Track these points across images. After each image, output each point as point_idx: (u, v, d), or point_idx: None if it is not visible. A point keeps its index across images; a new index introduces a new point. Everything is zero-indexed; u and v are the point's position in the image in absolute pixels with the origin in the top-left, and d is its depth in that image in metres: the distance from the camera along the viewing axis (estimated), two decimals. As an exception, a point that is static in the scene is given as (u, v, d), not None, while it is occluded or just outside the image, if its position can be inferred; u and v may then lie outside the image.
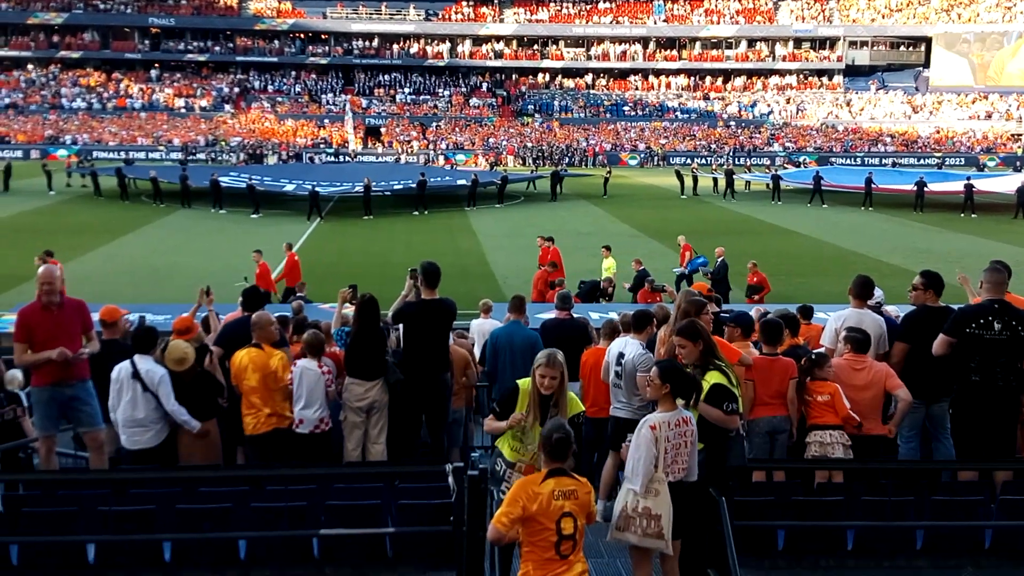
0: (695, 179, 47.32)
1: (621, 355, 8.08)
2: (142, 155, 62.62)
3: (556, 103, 77.14)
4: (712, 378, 6.05)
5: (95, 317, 8.45)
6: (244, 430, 8.13)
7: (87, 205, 41.13)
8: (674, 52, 79.92)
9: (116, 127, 68.53)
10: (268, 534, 6.13)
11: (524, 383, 6.37)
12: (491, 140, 69.07)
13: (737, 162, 62.31)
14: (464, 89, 78.36)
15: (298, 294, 16.90)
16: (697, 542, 5.85)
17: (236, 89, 76.09)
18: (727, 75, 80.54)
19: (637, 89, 79.35)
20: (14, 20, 74.68)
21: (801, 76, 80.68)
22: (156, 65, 77.08)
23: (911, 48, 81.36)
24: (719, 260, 21.27)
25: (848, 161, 66.32)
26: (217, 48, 77.43)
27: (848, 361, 7.71)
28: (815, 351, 7.99)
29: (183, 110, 72.49)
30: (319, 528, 6.15)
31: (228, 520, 6.18)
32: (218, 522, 6.17)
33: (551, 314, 11.14)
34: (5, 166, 46.35)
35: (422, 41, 79.02)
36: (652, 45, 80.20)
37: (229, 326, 9.24)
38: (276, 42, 78.06)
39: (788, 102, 77.97)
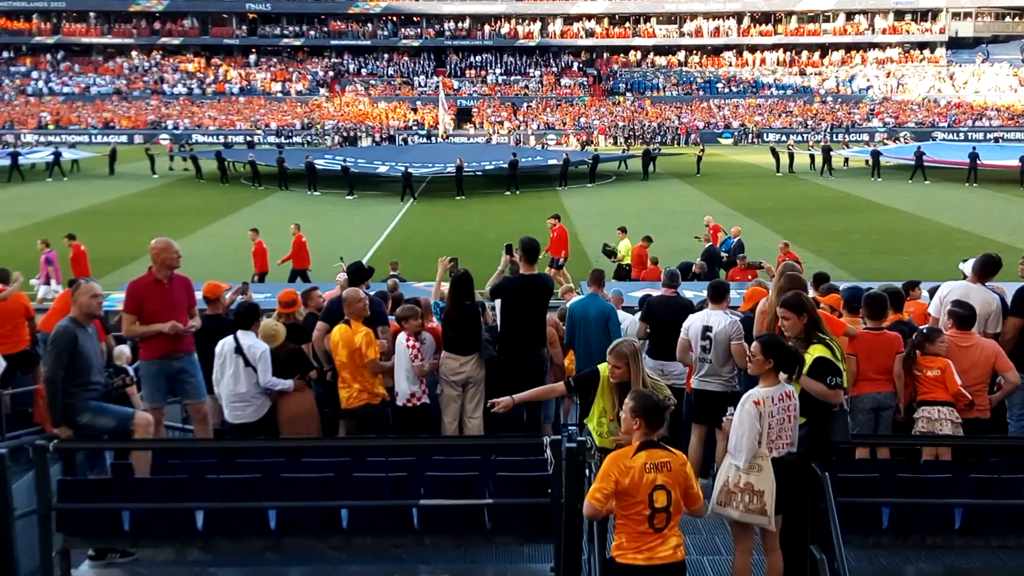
0: (791, 156, 46.41)
1: (707, 328, 8.03)
2: (240, 139, 64.01)
3: (648, 81, 76.35)
4: (816, 351, 5.94)
5: (198, 295, 8.68)
6: (340, 404, 8.31)
7: (189, 188, 42.24)
8: (769, 27, 78.38)
9: (215, 112, 70.17)
10: (369, 503, 6.24)
11: (604, 368, 6.41)
12: (582, 120, 68.77)
13: (835, 138, 60.94)
14: (555, 69, 78.11)
15: (392, 273, 17.05)
16: (799, 518, 5.78)
17: (331, 73, 77.15)
18: (824, 49, 78.67)
19: (731, 65, 78.09)
20: (117, 8, 76.90)
21: (902, 49, 78.38)
22: (253, 50, 78.60)
23: (1017, 18, 78.35)
24: (736, 239, 20.73)
25: (951, 136, 64.34)
26: (312, 32, 78.57)
27: (952, 337, 7.51)
28: (926, 326, 7.79)
29: (279, 94, 73.80)
30: (419, 499, 6.23)
31: (331, 489, 6.31)
32: (321, 491, 6.31)
33: (657, 291, 11.05)
34: (110, 151, 47.88)
35: (513, 21, 78.97)
36: (747, 20, 78.75)
37: (331, 303, 9.42)
38: (369, 25, 78.84)
39: (888, 76, 75.85)
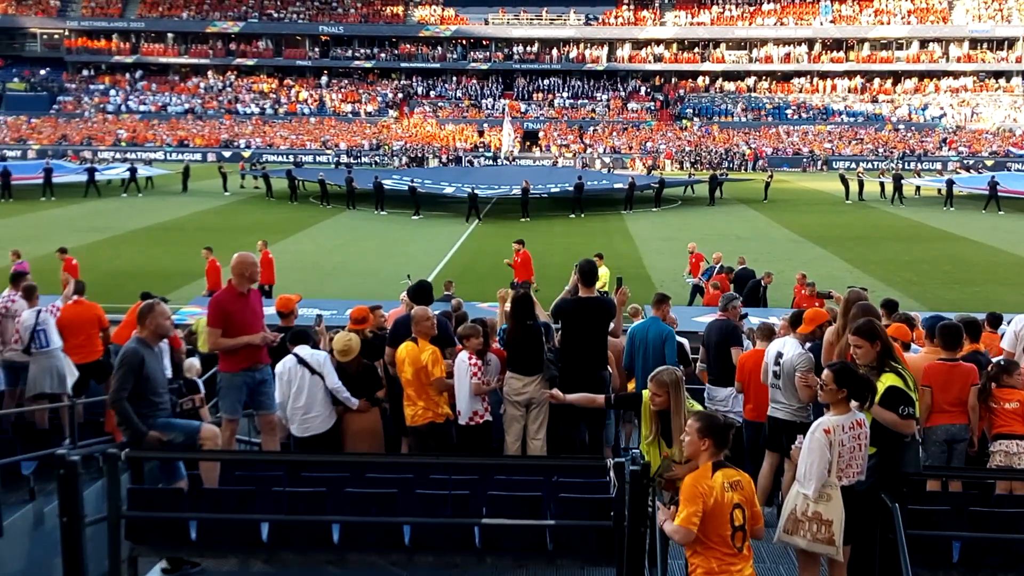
0: (861, 184, 45.78)
1: (779, 355, 7.97)
2: (310, 158, 64.95)
3: (716, 106, 76.00)
4: (888, 380, 5.83)
5: (270, 310, 8.82)
6: (405, 421, 8.36)
7: (259, 205, 42.96)
8: (841, 54, 77.52)
9: (286, 131, 71.34)
10: (432, 520, 6.25)
11: (647, 395, 6.40)
12: (648, 144, 68.62)
13: (906, 167, 60.01)
14: (622, 93, 78.11)
15: (445, 292, 17.16)
16: (868, 550, 5.67)
17: (400, 95, 78.04)
18: (897, 77, 77.58)
19: (801, 91, 77.36)
20: (194, 29, 78.72)
21: (976, 78, 76.96)
22: (325, 72, 79.85)
23: (1097, 47, 76.63)
24: (718, 266, 20.41)
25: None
26: (383, 55, 79.59)
27: (1029, 369, 7.34)
28: (1001, 357, 7.62)
29: (349, 115, 74.80)
30: (480, 518, 6.24)
31: (393, 505, 6.34)
32: (384, 507, 6.34)
33: (712, 316, 11.00)
34: (184, 168, 48.90)
35: (581, 45, 79.22)
36: (818, 46, 78.01)
37: (398, 321, 9.50)
38: (439, 48, 79.65)
39: (962, 104, 74.54)
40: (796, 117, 74.05)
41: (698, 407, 6.43)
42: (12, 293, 10.36)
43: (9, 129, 70.11)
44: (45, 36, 79.50)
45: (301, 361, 8.32)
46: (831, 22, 77.57)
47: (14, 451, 8.37)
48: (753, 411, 8.61)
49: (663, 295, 9.98)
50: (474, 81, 79.61)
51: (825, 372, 5.69)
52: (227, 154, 63.97)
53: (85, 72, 79.15)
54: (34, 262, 20.11)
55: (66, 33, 78.46)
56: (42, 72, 78.07)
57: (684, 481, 5.00)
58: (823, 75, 77.85)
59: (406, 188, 40.64)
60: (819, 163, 65.69)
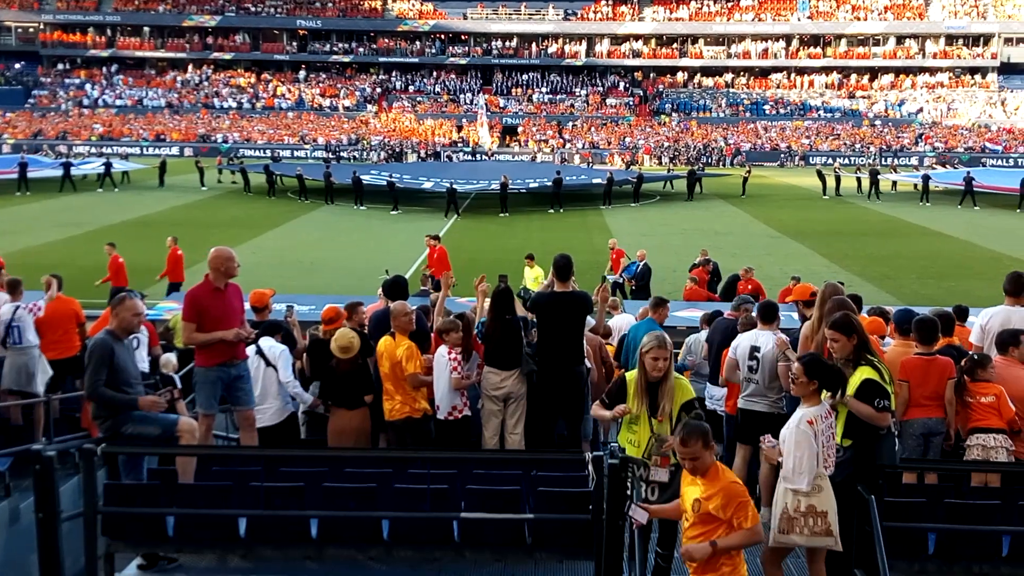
0: (838, 179, 46.07)
1: (755, 348, 8.01)
2: (288, 153, 64.65)
3: (694, 102, 76.21)
4: (864, 373, 5.87)
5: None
6: (383, 415, 8.36)
7: (237, 200, 42.74)
8: (818, 50, 77.90)
9: (264, 126, 71.00)
10: (411, 515, 6.26)
11: (631, 375, 6.44)
12: (627, 139, 68.72)
13: (883, 162, 60.40)
14: (601, 88, 78.19)
15: (422, 288, 17.13)
16: (844, 542, 5.71)
17: (378, 89, 77.81)
18: (874, 73, 78.05)
19: (779, 87, 77.69)
20: (171, 23, 78.24)
21: (952, 74, 77.52)
22: (303, 66, 79.49)
23: (1072, 44, 77.35)
24: (641, 263, 20.44)
25: (1001, 162, 63.50)
26: (361, 49, 79.32)
27: (1001, 363, 7.40)
28: (975, 352, 7.69)
29: (328, 110, 74.52)
30: (459, 512, 6.24)
31: (372, 500, 6.34)
32: (362, 501, 6.34)
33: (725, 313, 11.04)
34: (160, 163, 48.61)
35: (560, 40, 79.22)
36: (795, 42, 78.34)
37: (375, 316, 9.48)
38: (417, 43, 79.45)
39: (938, 100, 75.06)
40: (774, 113, 74.39)
41: (688, 386, 6.50)
42: (-12, 290, 10.27)
43: (-17, 123, 69.49)
44: (20, 29, 78.75)
45: (259, 352, 8.37)
46: (808, 18, 77.94)
47: (-11, 447, 8.30)
48: (734, 406, 8.67)
49: (661, 299, 10.19)
50: (453, 76, 79.47)
51: (795, 365, 5.73)
52: (204, 149, 63.59)
53: (60, 66, 78.47)
54: (9, 257, 19.90)
55: (41, 27, 77.78)
56: (16, 66, 77.35)
57: (728, 489, 5.01)
58: (800, 71, 78.22)
59: (385, 183, 40.55)
60: (796, 158, 65.99)
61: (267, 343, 8.54)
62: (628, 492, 5.65)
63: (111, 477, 7.22)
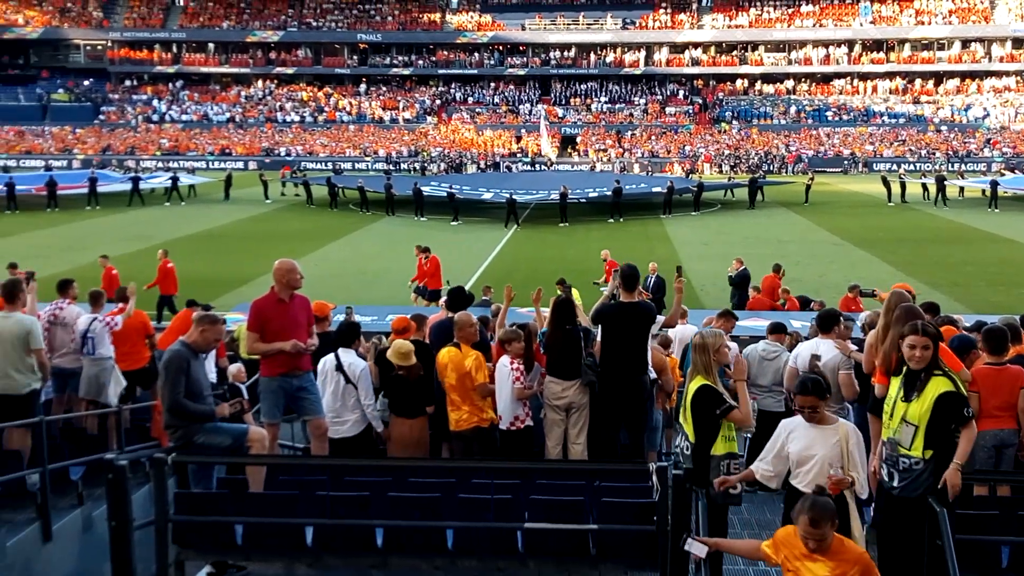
0: (903, 186, 45.28)
1: (816, 357, 7.93)
2: (349, 165, 65.30)
3: (755, 109, 75.55)
4: (942, 384, 5.69)
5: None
6: (449, 426, 8.39)
7: (300, 213, 43.27)
8: (881, 55, 76.77)
9: (326, 139, 71.88)
10: (475, 524, 6.27)
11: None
12: (687, 148, 68.34)
13: (950, 168, 59.30)
14: (660, 97, 77.88)
15: (484, 298, 17.12)
16: (915, 555, 5.61)
17: (437, 101, 78.34)
18: (939, 77, 76.67)
19: (841, 93, 76.70)
20: (235, 39, 79.60)
21: (1020, 78, 75.81)
22: (364, 79, 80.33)
23: None
24: (653, 276, 19.92)
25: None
26: (420, 62, 79.95)
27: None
28: None
29: (388, 122, 75.20)
30: (523, 522, 6.24)
31: (437, 510, 6.37)
32: (427, 511, 6.37)
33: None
34: (226, 176, 49.40)
35: (619, 50, 79.08)
36: (858, 48, 77.31)
37: (436, 326, 9.54)
38: (476, 55, 79.87)
39: (1005, 105, 73.50)
40: (836, 119, 73.42)
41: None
42: (61, 301, 10.52)
43: (55, 139, 71.26)
44: (88, 47, 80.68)
45: (339, 367, 8.40)
46: (871, 23, 76.85)
47: (63, 456, 8.49)
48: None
49: (729, 311, 10.15)
50: (511, 87, 79.72)
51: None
52: (268, 161, 64.43)
53: (128, 82, 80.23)
54: (80, 270, 20.40)
55: (109, 44, 79.61)
56: (86, 83, 79.27)
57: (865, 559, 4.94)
58: (863, 76, 77.14)
59: (445, 194, 40.79)
60: (860, 165, 65.06)
61: (348, 358, 8.50)
62: (689, 518, 5.66)
63: (181, 486, 7.35)
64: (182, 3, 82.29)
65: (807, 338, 10.13)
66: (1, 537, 7.45)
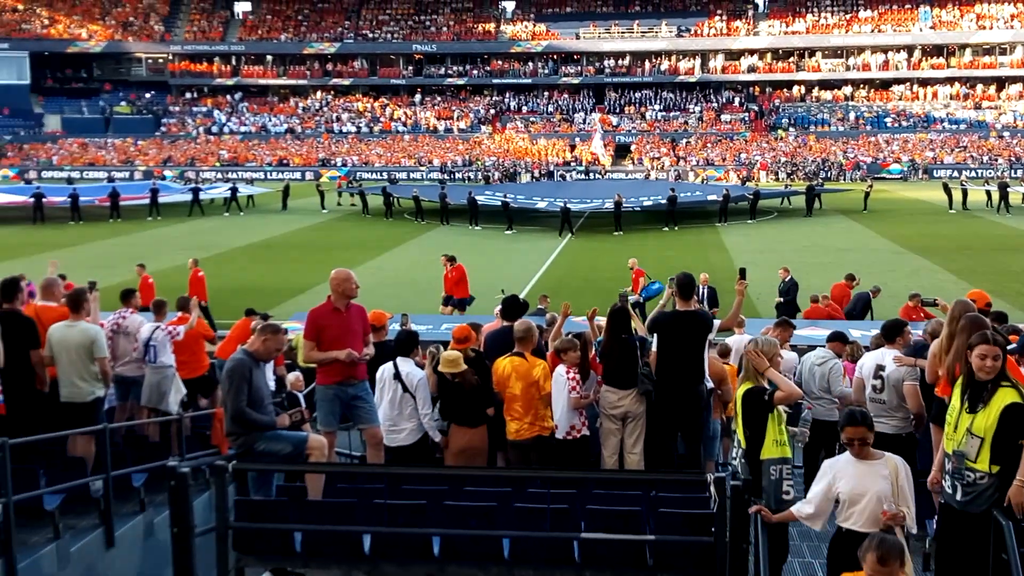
0: (964, 192, 44.45)
1: (880, 367, 7.82)
2: (404, 175, 65.80)
3: (812, 116, 74.74)
4: (1009, 396, 5.56)
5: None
6: (507, 435, 8.39)
7: (356, 222, 43.65)
8: (942, 60, 75.52)
9: (382, 149, 72.49)
10: (531, 534, 6.26)
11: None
12: (743, 155, 67.80)
13: (1013, 174, 58.12)
14: (715, 104, 77.38)
15: (539, 307, 17.05)
16: (980, 570, 5.49)
17: (492, 110, 78.61)
18: (1001, 83, 75.21)
19: (901, 99, 75.59)
20: (292, 51, 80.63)
21: (1085, 81, 74.22)
22: (419, 89, 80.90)
23: None
24: (705, 287, 19.43)
25: None
26: (475, 71, 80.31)
27: None
28: None
29: (442, 132, 75.62)
30: (579, 532, 6.23)
31: (493, 519, 6.37)
32: (483, 520, 6.38)
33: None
34: (284, 186, 50.00)
35: (673, 58, 78.76)
36: (917, 53, 76.13)
37: (492, 335, 9.55)
38: (530, 64, 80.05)
39: (1070, 109, 71.96)
40: (896, 125, 72.36)
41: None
42: (124, 310, 10.71)
43: (117, 151, 72.73)
44: (150, 60, 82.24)
45: (397, 376, 8.45)
46: (931, 28, 75.66)
47: (125, 463, 8.64)
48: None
49: (787, 320, 10.08)
50: (566, 95, 79.74)
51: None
52: (331, 174, 65.00)
53: (188, 95, 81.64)
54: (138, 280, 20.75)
55: (170, 57, 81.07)
56: (147, 95, 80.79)
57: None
58: (923, 82, 75.95)
59: (499, 203, 40.90)
60: (920, 172, 64.03)
61: (406, 367, 8.52)
62: (748, 529, 5.59)
63: (240, 493, 7.44)
64: (241, 16, 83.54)
65: (867, 348, 10.02)
66: (65, 543, 7.58)
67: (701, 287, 19.12)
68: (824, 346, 9.71)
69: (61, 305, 9.05)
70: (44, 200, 43.01)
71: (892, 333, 8.03)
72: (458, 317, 18.57)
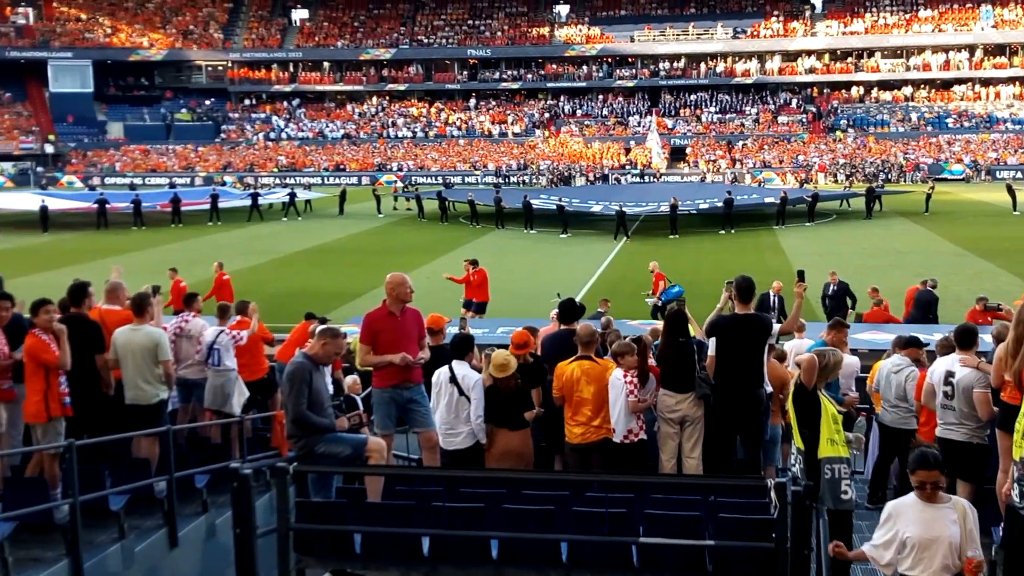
0: (1030, 194, 43.54)
1: (950, 373, 7.68)
2: (459, 179, 66.06)
3: (871, 117, 73.69)
4: None
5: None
6: (568, 439, 8.37)
7: (411, 226, 43.90)
8: (1004, 59, 74.03)
9: (437, 153, 72.88)
10: (589, 538, 6.25)
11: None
12: (800, 157, 67.05)
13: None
14: (772, 106, 76.63)
15: (600, 310, 17.01)
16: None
17: (546, 114, 78.64)
18: (1067, 81, 73.61)
19: (962, 99, 74.23)
20: (348, 57, 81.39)
21: None
22: (473, 94, 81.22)
23: None
24: (777, 295, 18.91)
25: None
26: (529, 76, 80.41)
27: None
28: None
29: (497, 136, 75.81)
30: (637, 536, 6.20)
31: (551, 522, 6.37)
32: (541, 524, 6.38)
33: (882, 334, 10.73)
34: (341, 191, 50.45)
35: (729, 59, 78.16)
36: (979, 52, 74.73)
37: (549, 339, 9.55)
38: (585, 67, 79.94)
39: None
40: (957, 126, 71.07)
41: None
42: (186, 313, 10.88)
43: (178, 157, 73.98)
44: (210, 68, 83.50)
45: (453, 379, 8.48)
46: (992, 27, 74.21)
47: (188, 464, 8.77)
48: (929, 433, 8.35)
49: (840, 321, 9.98)
50: (620, 98, 79.50)
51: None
52: (392, 179, 65.42)
53: (247, 101, 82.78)
54: (201, 284, 21.07)
55: (229, 64, 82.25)
56: (207, 102, 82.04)
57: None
58: (985, 82, 74.50)
59: (554, 207, 40.88)
60: (983, 173, 62.83)
61: (462, 370, 8.52)
62: (809, 536, 5.52)
63: (300, 494, 7.52)
64: (298, 23, 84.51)
65: (931, 352, 9.86)
66: (130, 543, 7.72)
67: (771, 294, 18.95)
68: (900, 352, 9.61)
69: (125, 309, 9.23)
70: (107, 206, 43.92)
71: (965, 340, 7.83)
72: (515, 320, 18.55)
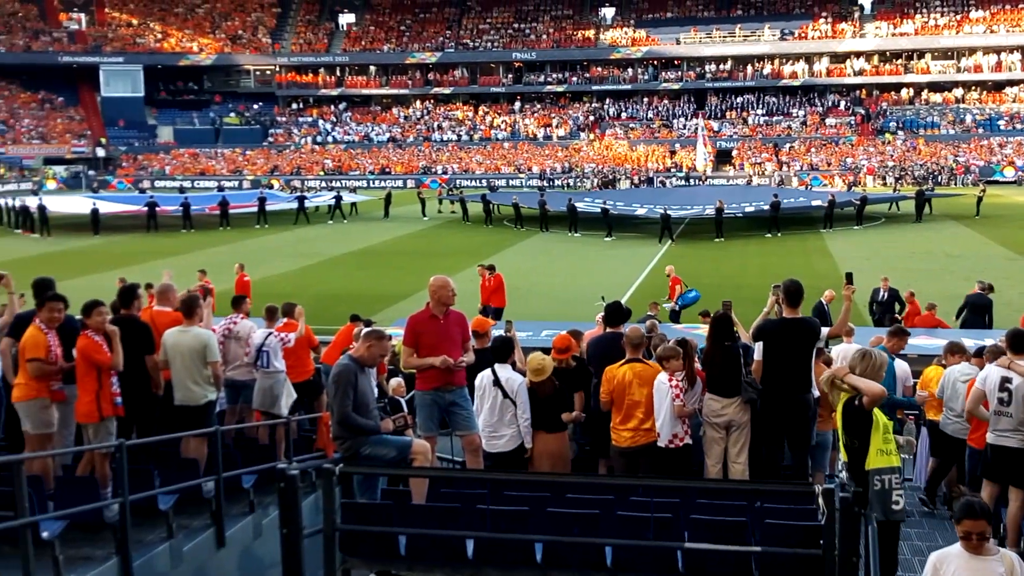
0: (1085, 197, 42.71)
1: (1007, 379, 7.54)
2: (504, 182, 66.10)
3: (921, 119, 72.66)
4: None
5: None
6: (616, 442, 8.34)
7: (456, 229, 44.04)
8: (1058, 60, 72.70)
9: (481, 156, 73.03)
10: (634, 543, 6.22)
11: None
12: (848, 160, 66.30)
13: None
14: (820, 108, 75.85)
15: (649, 314, 16.92)
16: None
17: (591, 117, 78.48)
18: (1122, 82, 72.10)
19: (1014, 101, 72.94)
20: (395, 61, 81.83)
21: None
22: (518, 97, 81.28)
23: None
24: (886, 291, 18.98)
25: None
26: (574, 78, 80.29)
27: None
28: None
29: (542, 139, 75.79)
30: (683, 542, 6.16)
31: (595, 526, 6.35)
32: (586, 528, 6.36)
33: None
34: (386, 194, 50.72)
35: (776, 61, 77.52)
36: (1033, 53, 73.46)
37: (595, 342, 9.53)
38: (630, 70, 79.66)
39: None
40: (1009, 128, 69.87)
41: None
42: (235, 316, 11.00)
43: (226, 161, 74.79)
44: (258, 72, 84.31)
45: (496, 382, 8.48)
46: (1047, 27, 72.91)
47: (235, 465, 8.85)
48: (981, 438, 8.21)
49: (902, 329, 9.89)
50: (665, 101, 79.12)
51: None
52: (439, 182, 65.73)
53: (294, 105, 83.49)
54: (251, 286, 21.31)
55: (277, 69, 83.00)
56: (255, 106, 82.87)
57: None
58: (1039, 83, 73.21)
59: (599, 210, 40.79)
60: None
61: (505, 373, 8.53)
62: (858, 542, 5.44)
63: (345, 496, 7.56)
64: (345, 28, 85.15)
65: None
66: (178, 542, 7.81)
67: (882, 290, 19.62)
68: (970, 361, 9.47)
69: (175, 310, 9.34)
70: (157, 209, 44.49)
71: (1021, 344, 7.68)
72: (559, 323, 18.53)
